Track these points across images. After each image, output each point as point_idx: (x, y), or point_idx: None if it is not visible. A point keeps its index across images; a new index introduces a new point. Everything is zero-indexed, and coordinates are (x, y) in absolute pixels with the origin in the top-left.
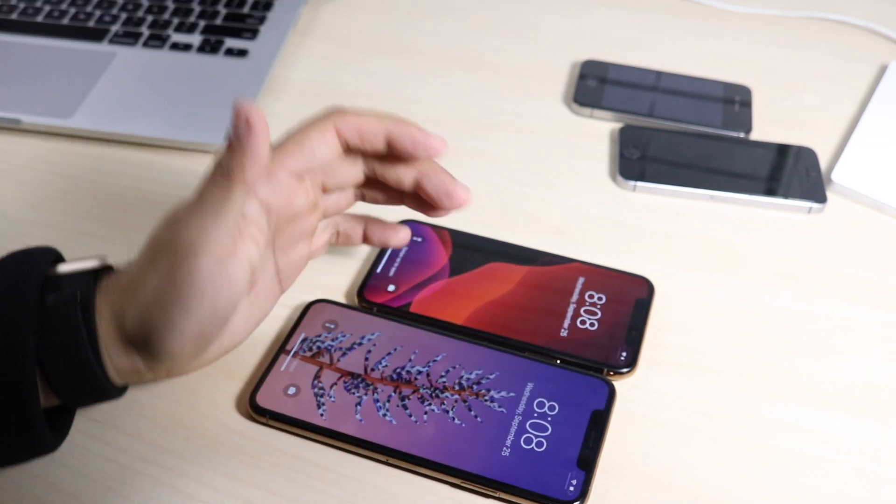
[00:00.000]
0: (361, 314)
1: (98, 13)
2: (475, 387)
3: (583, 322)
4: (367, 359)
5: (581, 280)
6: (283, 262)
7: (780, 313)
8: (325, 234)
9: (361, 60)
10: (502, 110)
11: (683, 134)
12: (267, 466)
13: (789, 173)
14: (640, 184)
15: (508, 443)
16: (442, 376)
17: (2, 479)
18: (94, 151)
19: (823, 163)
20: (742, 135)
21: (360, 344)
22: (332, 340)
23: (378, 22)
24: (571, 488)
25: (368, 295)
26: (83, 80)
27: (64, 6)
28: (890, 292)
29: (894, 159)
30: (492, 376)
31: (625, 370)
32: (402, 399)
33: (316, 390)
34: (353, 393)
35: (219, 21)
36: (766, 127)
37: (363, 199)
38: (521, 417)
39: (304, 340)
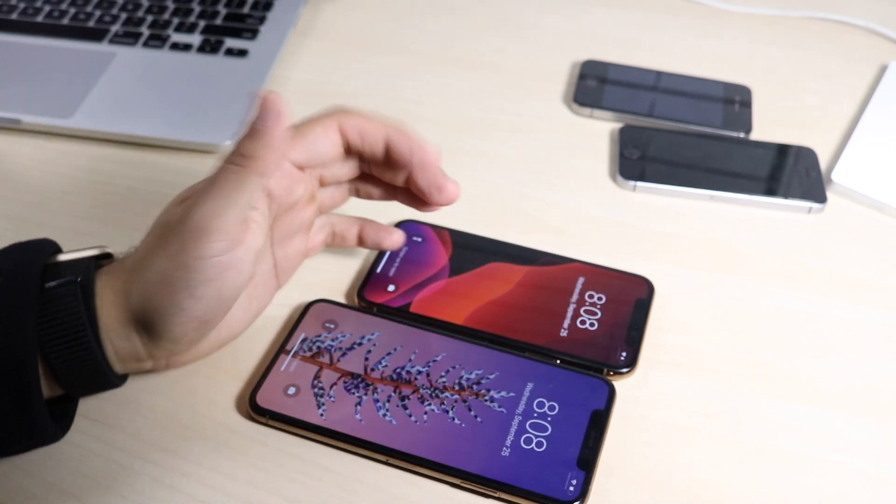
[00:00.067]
0: (361, 314)
1: (98, 13)
2: (475, 387)
3: (583, 322)
4: (367, 359)
5: (581, 280)
6: (280, 255)
7: (780, 313)
8: (322, 234)
9: (361, 60)
10: (502, 110)
11: (683, 134)
12: (267, 466)
13: (789, 173)
14: (640, 184)
15: (508, 443)
16: (442, 376)
17: (1, 479)
18: (94, 151)
19: (823, 163)
20: (742, 135)
21: (360, 344)
22: (332, 340)
23: (378, 22)
24: (571, 488)
25: (368, 295)
26: (83, 80)
27: (64, 6)
28: (890, 292)
29: (894, 159)
30: (492, 376)
31: (625, 370)
32: (402, 399)
33: (316, 390)
34: (353, 393)
35: (219, 21)
36: (766, 127)
37: (357, 194)
38: (520, 417)
39: (304, 340)
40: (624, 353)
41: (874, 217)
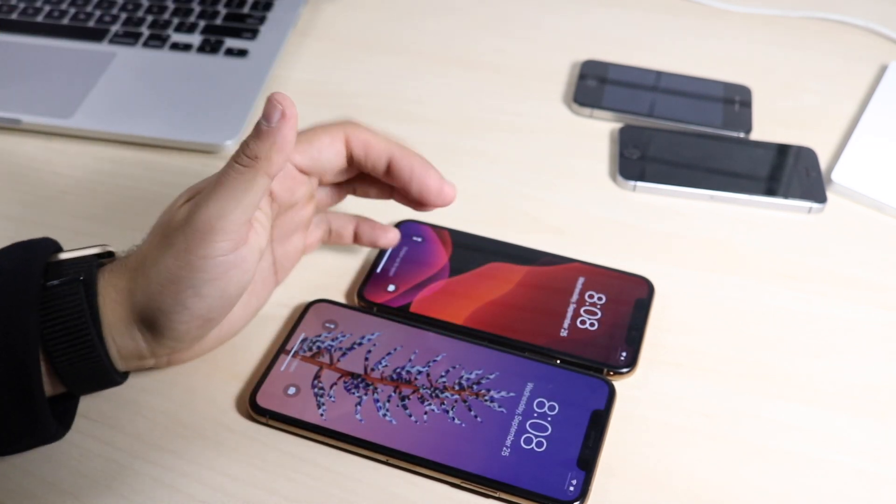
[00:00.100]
0: (361, 314)
1: (98, 13)
2: (475, 387)
3: (583, 322)
4: (367, 359)
5: (581, 280)
6: (279, 253)
7: (780, 313)
8: (319, 231)
9: (361, 60)
10: (502, 110)
11: (683, 134)
12: (267, 466)
13: (789, 173)
14: (640, 184)
15: (508, 443)
16: (442, 376)
17: (1, 479)
18: (94, 151)
19: (823, 163)
20: (742, 135)
21: (360, 344)
22: (332, 340)
23: (378, 22)
24: (571, 488)
25: (368, 295)
26: (83, 80)
27: (64, 6)
28: (890, 292)
29: (894, 159)
30: (492, 376)
31: (625, 370)
32: (402, 399)
33: (316, 390)
34: (353, 393)
35: (219, 21)
36: (766, 127)
37: (354, 192)
38: (521, 417)
39: (304, 340)
40: (624, 353)
41: (874, 217)
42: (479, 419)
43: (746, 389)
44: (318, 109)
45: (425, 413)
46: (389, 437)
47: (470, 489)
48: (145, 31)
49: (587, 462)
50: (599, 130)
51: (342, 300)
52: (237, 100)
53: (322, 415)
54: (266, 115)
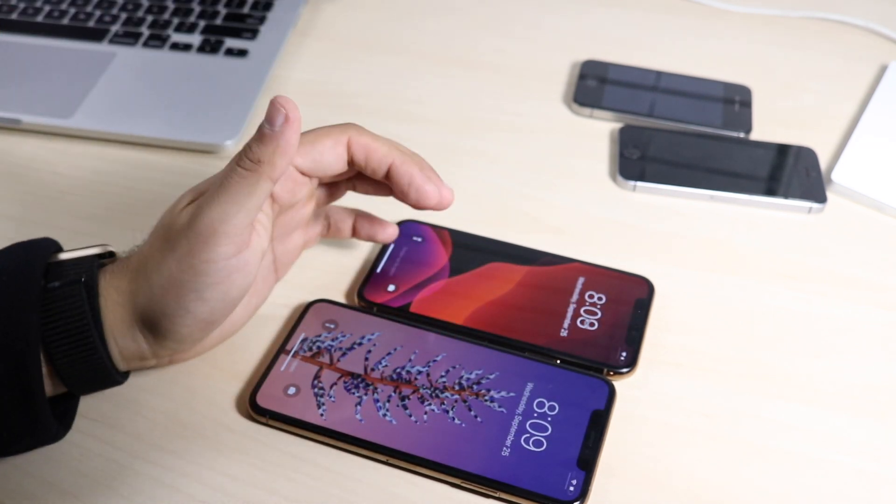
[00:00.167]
0: (361, 314)
1: (98, 13)
2: (475, 387)
3: (583, 322)
4: (367, 359)
5: (581, 280)
6: (280, 251)
7: (780, 313)
8: (318, 226)
9: (361, 60)
10: (502, 110)
11: (683, 134)
12: (267, 466)
13: (789, 173)
14: (640, 184)
15: (508, 443)
16: (442, 376)
17: (1, 479)
18: (94, 151)
19: (823, 163)
20: (742, 135)
21: (360, 344)
22: (332, 340)
23: (378, 22)
24: (571, 488)
25: (368, 295)
26: (83, 80)
27: (64, 6)
28: (890, 292)
29: (894, 159)
30: (492, 376)
31: (625, 370)
32: (402, 399)
33: (316, 390)
34: (353, 393)
35: (219, 21)
36: (766, 127)
37: (354, 188)
38: (521, 417)
39: (304, 340)
40: (624, 353)
41: (874, 217)
42: (479, 419)
43: (746, 389)
44: (318, 109)
45: (425, 413)
46: (389, 437)
47: (470, 489)
48: (145, 31)
49: (587, 462)
50: (599, 130)
51: (342, 300)
52: (237, 100)
53: (322, 415)
54: (269, 119)
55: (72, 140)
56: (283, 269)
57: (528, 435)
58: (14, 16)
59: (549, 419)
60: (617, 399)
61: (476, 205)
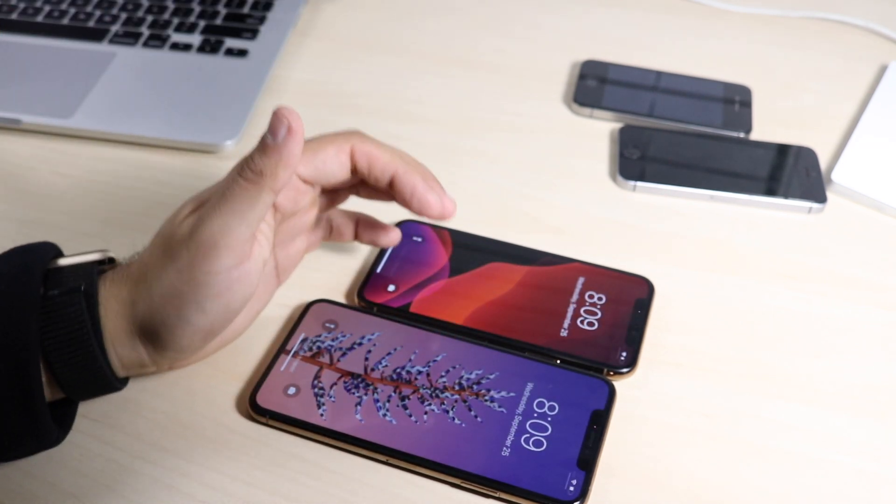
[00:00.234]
0: (361, 314)
1: (98, 13)
2: (475, 387)
3: (583, 322)
4: (367, 359)
5: (581, 280)
6: (282, 256)
7: (780, 313)
8: (321, 230)
9: (361, 60)
10: (502, 110)
11: (683, 134)
12: (267, 466)
13: (789, 173)
14: (640, 184)
15: (508, 443)
16: (442, 376)
17: (1, 479)
18: (94, 151)
19: (823, 163)
20: (742, 135)
21: (360, 344)
22: (332, 340)
23: (378, 22)
24: (571, 488)
25: (368, 295)
26: (83, 80)
27: (64, 6)
28: (890, 292)
29: (894, 159)
30: (492, 376)
31: (625, 370)
32: (402, 399)
33: (316, 390)
34: (353, 393)
35: (219, 21)
36: (766, 127)
37: (357, 194)
38: (521, 417)
39: (304, 340)
40: (624, 353)
41: (874, 217)
42: (479, 419)
43: (746, 389)
44: (318, 109)
45: (425, 413)
46: (389, 437)
47: (470, 489)
48: (145, 31)
49: (587, 462)
50: (599, 130)
51: (342, 300)
52: (237, 100)
53: (322, 415)
54: (272, 130)
55: (72, 140)
56: (285, 274)
57: (528, 435)
58: (14, 16)
59: (549, 419)
60: (617, 399)
61: (476, 205)
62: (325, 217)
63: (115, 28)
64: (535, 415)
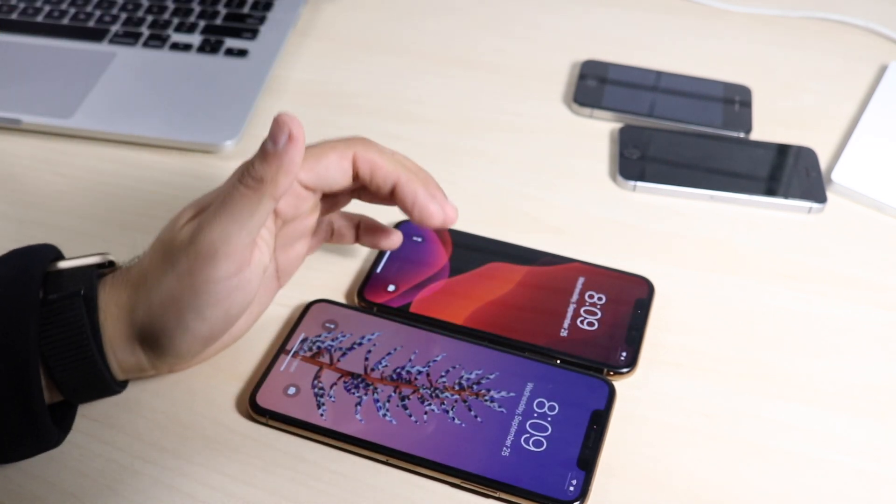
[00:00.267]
0: (361, 314)
1: (98, 13)
2: (475, 387)
3: (583, 322)
4: (367, 359)
5: (581, 280)
6: (282, 260)
7: (780, 313)
8: (322, 232)
9: (361, 60)
10: (502, 110)
11: (683, 134)
12: (267, 466)
13: (789, 173)
14: (640, 184)
15: (508, 443)
16: (442, 376)
17: (1, 479)
18: (94, 151)
19: (823, 163)
20: (742, 135)
21: (360, 344)
22: (332, 340)
23: (378, 22)
24: (571, 488)
25: (368, 295)
26: (83, 80)
27: (64, 6)
28: (890, 292)
29: (894, 159)
30: (492, 376)
31: (625, 370)
32: (402, 399)
33: (316, 390)
34: (353, 393)
35: (219, 21)
36: (766, 127)
37: (359, 198)
38: (521, 417)
39: (304, 340)
40: (624, 353)
41: (874, 217)
42: (479, 419)
43: (746, 389)
44: (318, 109)
45: (425, 413)
46: (389, 437)
47: (470, 489)
48: (145, 31)
49: (587, 462)
50: (599, 130)
51: (342, 300)
52: (237, 100)
53: (322, 415)
54: (272, 137)
55: (72, 140)
56: (286, 276)
57: (528, 435)
58: (14, 16)
59: (549, 419)
60: (617, 399)
61: (476, 205)
62: (326, 220)
63: (115, 28)
64: (535, 415)
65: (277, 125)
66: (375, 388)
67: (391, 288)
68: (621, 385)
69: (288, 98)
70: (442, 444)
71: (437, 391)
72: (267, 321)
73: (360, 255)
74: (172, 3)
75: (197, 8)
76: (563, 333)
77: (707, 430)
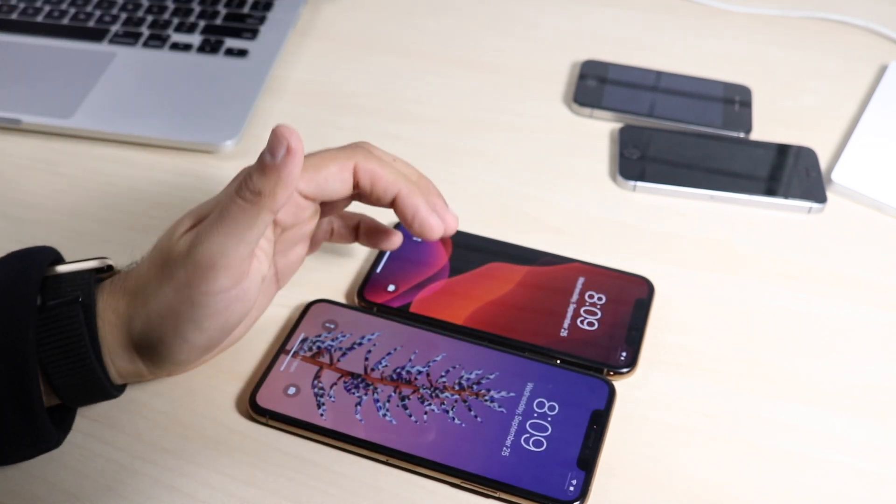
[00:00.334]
0: (361, 314)
1: (98, 13)
2: (475, 387)
3: (583, 322)
4: (367, 359)
5: (581, 280)
6: (281, 264)
7: (780, 313)
8: (322, 233)
9: (361, 60)
10: (502, 110)
11: (683, 134)
12: (267, 466)
13: (789, 173)
14: (640, 184)
15: (508, 443)
16: (442, 376)
17: (1, 479)
18: (94, 151)
19: (823, 163)
20: (742, 135)
21: (360, 344)
22: (332, 340)
23: (378, 22)
24: (571, 488)
25: (368, 295)
26: (83, 80)
27: (64, 6)
28: (890, 292)
29: (894, 159)
30: (492, 376)
31: (625, 370)
32: (402, 399)
33: (316, 390)
34: (353, 393)
35: (219, 21)
36: (766, 127)
37: (359, 199)
38: (521, 417)
39: (304, 340)
40: (624, 353)
41: (874, 217)
42: (479, 419)
43: (746, 389)
44: (318, 109)
45: (425, 413)
46: (389, 437)
47: (470, 489)
48: (145, 31)
49: (587, 462)
50: (599, 130)
51: (342, 300)
52: (237, 100)
53: (322, 415)
54: (271, 149)
55: (72, 140)
56: (285, 279)
57: (528, 435)
58: (14, 16)
59: (549, 419)
60: (617, 399)
61: (476, 205)
62: (325, 220)
63: (115, 28)
64: (535, 415)
65: (276, 137)
66: (375, 388)
67: (391, 288)
68: (621, 385)
69: (288, 98)
70: (442, 445)
71: (437, 391)
72: (267, 321)
73: (360, 255)
74: (172, 3)
75: (197, 8)
76: (563, 333)
77: (707, 430)
